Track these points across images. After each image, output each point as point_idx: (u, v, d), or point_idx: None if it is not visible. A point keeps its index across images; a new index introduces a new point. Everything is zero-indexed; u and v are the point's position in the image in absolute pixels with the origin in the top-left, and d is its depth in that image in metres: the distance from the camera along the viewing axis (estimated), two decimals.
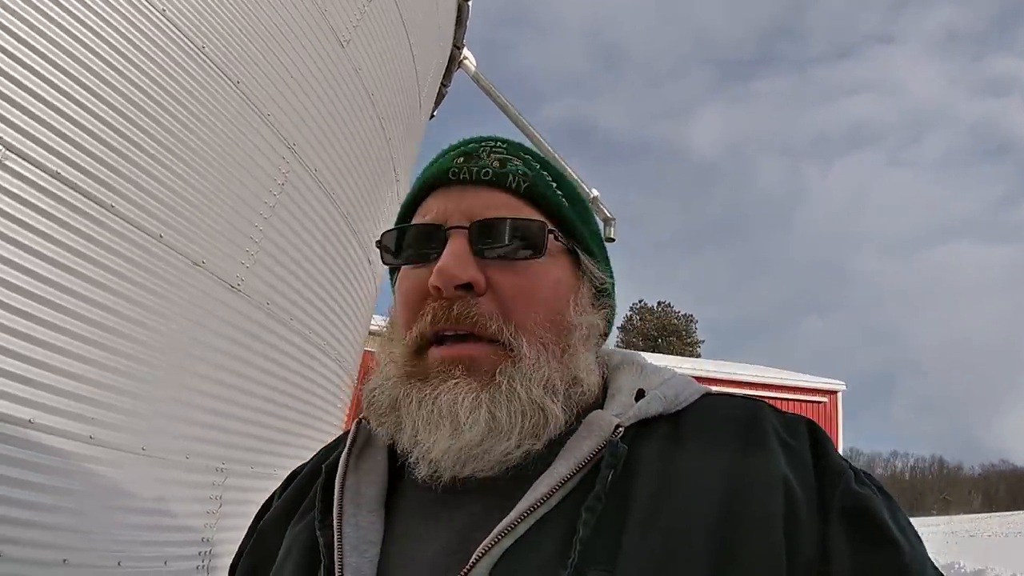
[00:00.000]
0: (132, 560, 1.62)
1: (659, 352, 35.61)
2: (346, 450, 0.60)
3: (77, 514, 1.51)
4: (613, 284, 0.67)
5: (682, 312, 42.41)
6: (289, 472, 0.72)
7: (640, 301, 42.91)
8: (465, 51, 5.01)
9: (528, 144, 0.69)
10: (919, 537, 0.51)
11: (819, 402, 14.15)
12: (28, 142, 1.55)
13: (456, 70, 5.12)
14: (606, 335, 0.65)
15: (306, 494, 0.64)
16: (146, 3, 1.77)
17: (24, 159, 1.54)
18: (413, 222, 0.63)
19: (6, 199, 1.50)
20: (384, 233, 0.63)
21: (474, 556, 0.48)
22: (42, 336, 1.54)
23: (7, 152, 1.51)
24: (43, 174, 1.58)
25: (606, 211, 6.48)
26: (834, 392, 14.48)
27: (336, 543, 0.52)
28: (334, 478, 0.58)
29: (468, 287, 0.55)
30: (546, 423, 0.53)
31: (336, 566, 0.51)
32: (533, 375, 0.54)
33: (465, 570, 0.47)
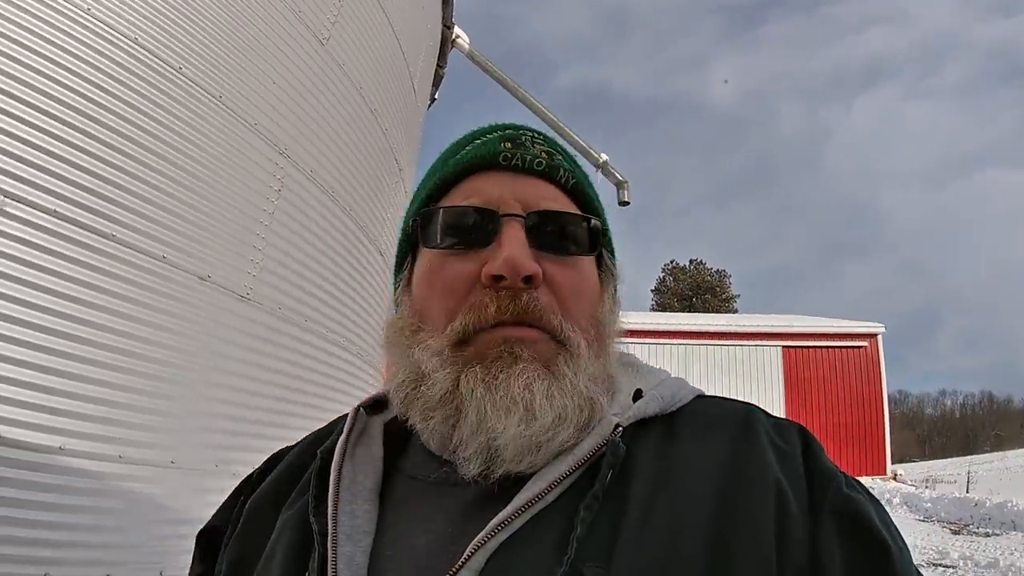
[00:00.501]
0: (172, 569, 1.71)
1: (694, 311, 35.17)
2: (343, 438, 0.60)
3: (116, 531, 1.61)
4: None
5: (715, 268, 41.66)
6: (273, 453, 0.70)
7: (672, 261, 42.28)
8: (457, 29, 4.92)
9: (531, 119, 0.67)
10: (905, 541, 0.51)
11: (859, 347, 13.83)
12: (24, 186, 1.61)
13: (450, 50, 5.03)
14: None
15: (298, 478, 0.63)
16: (118, 35, 1.79)
17: (23, 203, 1.60)
18: (451, 204, 0.59)
19: (12, 243, 1.58)
20: (423, 211, 0.60)
21: (469, 548, 0.48)
22: (62, 367, 1.62)
23: (6, 199, 1.57)
24: (43, 214, 1.64)
25: (617, 174, 6.37)
26: (874, 335, 14.11)
27: (331, 532, 0.52)
28: (329, 465, 0.58)
29: (527, 279, 0.54)
30: (593, 416, 0.53)
31: (330, 554, 0.51)
32: (586, 370, 0.54)
33: (461, 562, 0.47)
